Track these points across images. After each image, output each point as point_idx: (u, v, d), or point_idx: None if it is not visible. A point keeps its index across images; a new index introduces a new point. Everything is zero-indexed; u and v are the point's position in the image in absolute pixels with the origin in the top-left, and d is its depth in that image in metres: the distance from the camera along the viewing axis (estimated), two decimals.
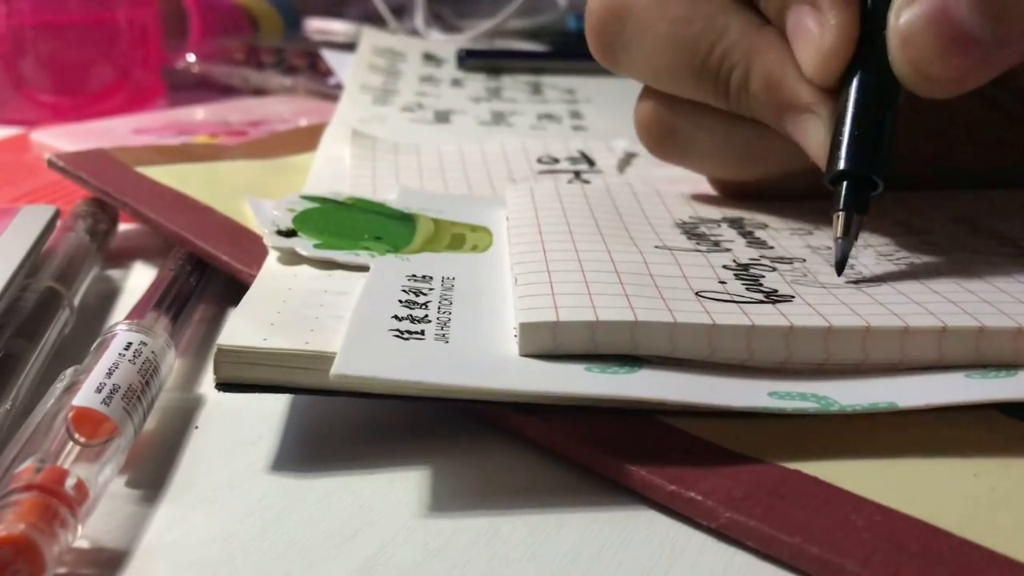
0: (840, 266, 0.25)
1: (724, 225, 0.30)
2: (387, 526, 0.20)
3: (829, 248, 0.27)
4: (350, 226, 0.29)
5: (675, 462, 0.20)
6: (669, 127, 0.31)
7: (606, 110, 0.50)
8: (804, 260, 0.27)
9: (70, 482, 0.18)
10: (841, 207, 0.25)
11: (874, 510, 0.19)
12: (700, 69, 0.28)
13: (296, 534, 0.19)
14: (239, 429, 0.23)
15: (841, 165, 0.25)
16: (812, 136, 0.26)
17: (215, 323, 0.30)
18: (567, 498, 0.20)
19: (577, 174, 0.37)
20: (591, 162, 0.38)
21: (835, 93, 0.26)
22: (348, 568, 0.18)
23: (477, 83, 0.55)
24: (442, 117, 0.47)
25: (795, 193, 0.31)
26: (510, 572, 0.18)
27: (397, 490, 0.21)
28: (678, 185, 0.33)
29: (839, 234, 0.25)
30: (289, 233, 0.28)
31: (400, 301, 0.24)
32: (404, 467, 0.21)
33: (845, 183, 0.25)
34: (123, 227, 0.36)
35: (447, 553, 0.19)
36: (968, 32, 0.23)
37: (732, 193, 0.32)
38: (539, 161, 0.38)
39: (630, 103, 0.33)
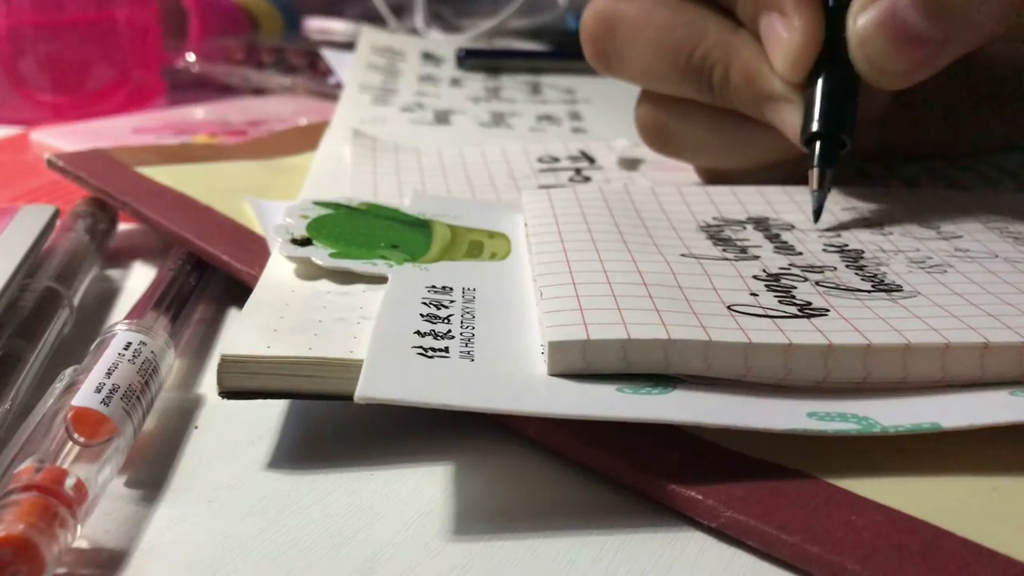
0: (816, 214, 0.29)
1: (749, 227, 0.29)
2: (387, 526, 0.20)
3: (861, 251, 0.27)
4: (365, 233, 0.28)
5: (676, 461, 0.20)
6: (664, 124, 0.34)
7: (605, 111, 0.49)
8: (835, 268, 0.26)
9: (70, 482, 0.18)
10: (815, 163, 0.29)
11: (874, 510, 0.19)
12: (685, 68, 0.31)
13: (296, 534, 0.19)
14: (238, 429, 0.23)
15: (814, 128, 0.29)
16: (788, 120, 0.30)
17: (215, 323, 0.30)
18: (567, 497, 0.20)
19: (578, 171, 0.37)
20: (591, 159, 0.38)
21: (805, 84, 0.30)
22: (348, 568, 0.18)
23: (476, 83, 0.55)
24: (442, 118, 0.47)
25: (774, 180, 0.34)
26: (510, 572, 0.18)
27: (397, 490, 0.21)
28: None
29: (815, 187, 0.29)
30: (304, 241, 0.27)
31: (422, 315, 0.23)
32: (404, 467, 0.21)
33: (818, 142, 0.29)
34: (123, 227, 0.36)
35: (447, 553, 0.19)
36: (916, 33, 0.27)
37: (719, 183, 0.34)
38: (539, 161, 0.38)
39: (629, 104, 0.35)
